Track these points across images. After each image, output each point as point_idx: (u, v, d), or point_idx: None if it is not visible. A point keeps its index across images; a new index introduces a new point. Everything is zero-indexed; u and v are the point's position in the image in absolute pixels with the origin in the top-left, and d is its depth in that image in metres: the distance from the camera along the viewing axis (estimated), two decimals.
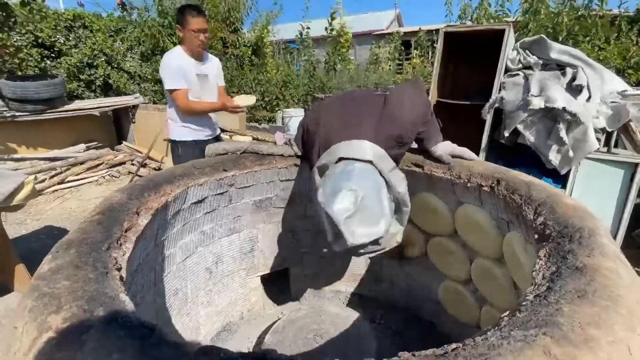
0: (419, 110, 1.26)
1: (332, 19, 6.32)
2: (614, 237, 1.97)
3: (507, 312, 0.61)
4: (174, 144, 2.27)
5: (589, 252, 0.71)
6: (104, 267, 0.73)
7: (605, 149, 1.94)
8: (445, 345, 0.55)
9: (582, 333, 0.51)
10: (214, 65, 2.34)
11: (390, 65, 6.60)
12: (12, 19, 4.06)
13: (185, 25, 2.08)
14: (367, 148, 1.13)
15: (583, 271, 0.65)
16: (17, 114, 4.04)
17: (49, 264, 0.72)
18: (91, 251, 0.77)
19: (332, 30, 6.37)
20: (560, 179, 2.00)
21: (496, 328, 0.56)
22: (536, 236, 0.87)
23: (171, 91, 2.12)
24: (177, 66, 2.09)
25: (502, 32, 2.06)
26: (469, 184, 1.26)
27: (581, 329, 0.51)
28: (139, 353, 0.49)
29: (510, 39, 2.09)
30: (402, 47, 7.11)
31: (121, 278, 0.73)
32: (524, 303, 0.62)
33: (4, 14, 3.81)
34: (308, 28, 6.29)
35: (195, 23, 2.07)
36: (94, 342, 0.49)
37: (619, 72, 2.63)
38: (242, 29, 6.44)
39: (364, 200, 0.99)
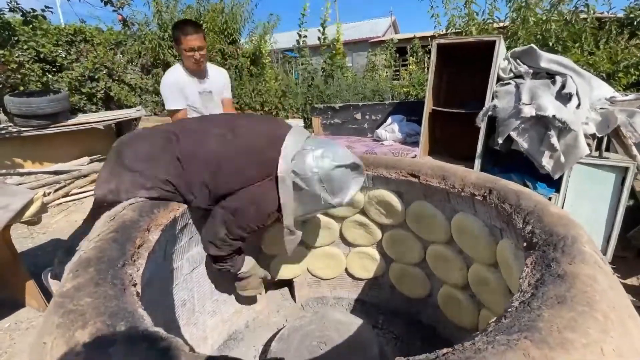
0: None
1: (323, 27, 6.32)
2: (608, 240, 2.02)
3: (494, 319, 0.67)
4: None
5: (570, 260, 0.76)
6: (122, 284, 0.79)
7: (596, 154, 2.00)
8: (437, 351, 0.60)
9: (559, 336, 0.56)
10: (218, 79, 2.24)
11: (387, 72, 6.66)
12: (15, 38, 4.15)
13: (179, 44, 1.99)
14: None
15: (564, 278, 0.71)
16: (22, 129, 4.12)
17: (71, 282, 0.77)
18: (108, 268, 0.83)
19: (325, 39, 6.37)
20: (554, 184, 2.06)
21: (483, 333, 0.62)
22: (524, 244, 0.93)
23: (170, 112, 2.07)
24: (175, 85, 2.02)
25: (493, 43, 2.13)
26: (462, 193, 1.32)
27: (558, 333, 0.57)
28: None
29: (501, 49, 2.16)
30: (397, 54, 7.17)
31: (137, 293, 0.79)
32: (509, 309, 0.67)
33: (7, 32, 3.90)
34: (305, 37, 6.31)
35: (189, 41, 1.95)
36: (120, 355, 0.55)
37: (609, 76, 2.68)
38: (239, 40, 6.52)
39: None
